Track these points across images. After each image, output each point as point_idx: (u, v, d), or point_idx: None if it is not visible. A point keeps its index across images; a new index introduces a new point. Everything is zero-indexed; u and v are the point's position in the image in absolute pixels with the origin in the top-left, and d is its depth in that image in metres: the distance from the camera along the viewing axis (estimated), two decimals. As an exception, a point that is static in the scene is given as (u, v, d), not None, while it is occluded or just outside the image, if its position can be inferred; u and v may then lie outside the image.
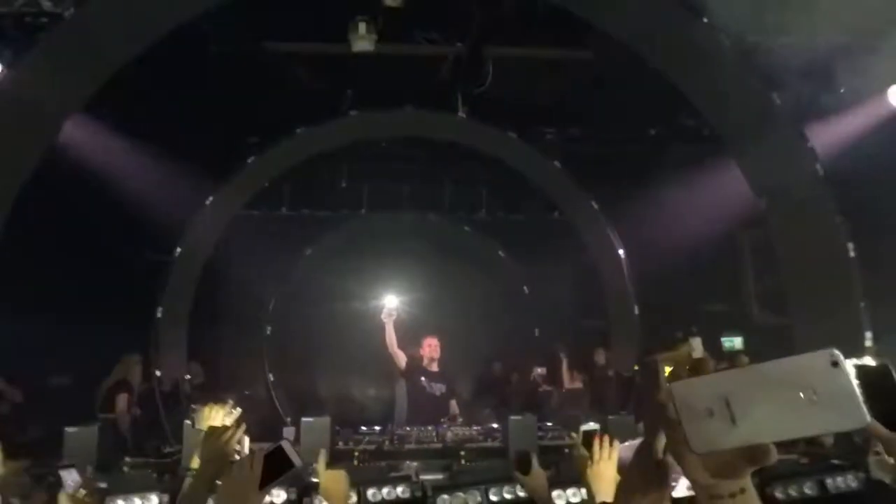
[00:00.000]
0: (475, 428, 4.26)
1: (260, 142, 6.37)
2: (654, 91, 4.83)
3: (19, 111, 4.05)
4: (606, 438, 2.00)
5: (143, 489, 2.69)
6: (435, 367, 5.00)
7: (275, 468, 1.39)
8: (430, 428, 4.27)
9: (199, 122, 6.11)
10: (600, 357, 6.02)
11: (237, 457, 1.45)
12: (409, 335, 5.27)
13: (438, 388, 4.97)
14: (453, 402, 5.03)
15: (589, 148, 6.30)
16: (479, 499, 2.80)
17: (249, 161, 6.06)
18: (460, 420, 4.77)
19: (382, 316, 4.94)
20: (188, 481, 1.74)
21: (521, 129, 5.86)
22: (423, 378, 4.96)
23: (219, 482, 1.38)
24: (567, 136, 6.26)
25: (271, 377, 6.83)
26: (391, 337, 4.96)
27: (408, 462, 3.33)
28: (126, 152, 5.57)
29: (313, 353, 7.97)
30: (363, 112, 5.99)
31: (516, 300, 7.74)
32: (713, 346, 6.47)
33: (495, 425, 4.24)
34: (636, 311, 5.35)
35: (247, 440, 1.54)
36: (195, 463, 1.71)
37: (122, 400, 5.06)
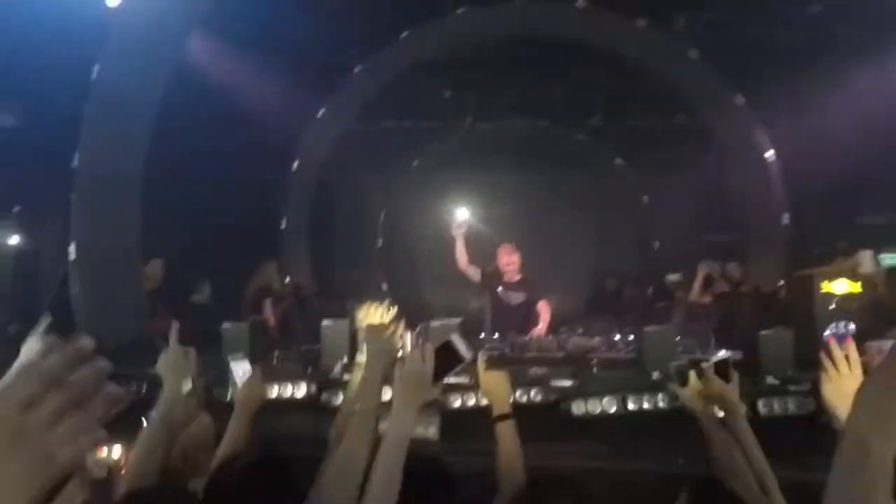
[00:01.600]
0: (596, 339, 4.13)
1: (365, 50, 6.19)
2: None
3: (146, 30, 4.17)
4: (852, 348, 1.64)
5: (294, 378, 2.89)
6: (515, 277, 4.75)
7: (446, 362, 1.37)
8: (550, 337, 4.20)
9: (307, 36, 6.03)
10: (734, 271, 5.50)
11: (400, 352, 1.44)
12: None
13: (515, 298, 4.75)
14: (542, 304, 4.70)
15: (731, 35, 5.37)
16: (615, 406, 2.69)
17: (356, 71, 5.95)
18: (580, 331, 4.63)
19: (452, 230, 4.69)
20: (356, 374, 1.76)
21: (650, 16, 5.11)
22: (500, 289, 4.78)
23: (395, 374, 1.36)
24: (705, 21, 5.36)
25: (384, 286, 7.10)
26: (461, 253, 4.74)
27: (534, 368, 3.27)
28: (241, 69, 5.67)
29: (421, 264, 8.16)
30: (469, 9, 5.55)
31: (635, 212, 7.25)
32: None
33: (617, 337, 4.09)
34: (785, 220, 4.72)
35: (408, 335, 1.52)
36: (360, 358, 1.73)
37: (268, 304, 5.51)
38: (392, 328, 1.49)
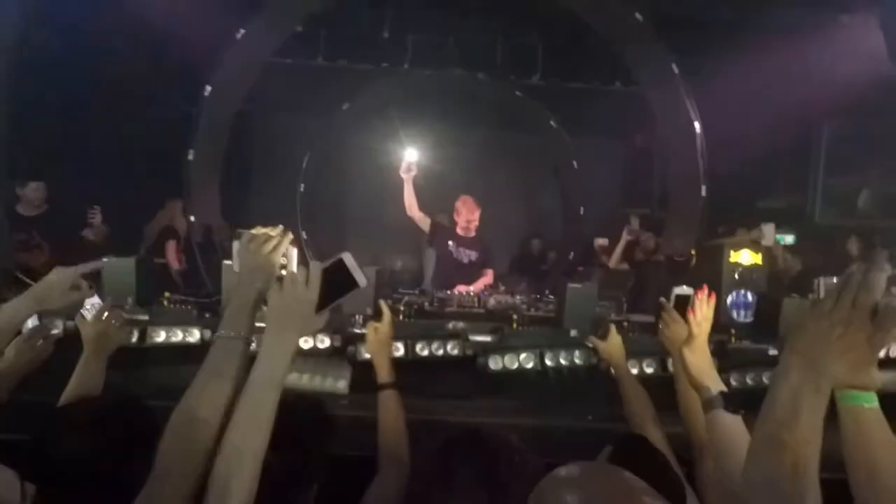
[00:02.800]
0: (518, 297, 4.09)
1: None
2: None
3: None
4: (708, 300, 1.69)
5: (184, 323, 2.58)
6: (470, 233, 4.52)
7: (335, 287, 1.12)
8: (471, 292, 4.11)
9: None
10: (650, 241, 5.69)
11: (283, 272, 1.18)
12: (445, 201, 4.91)
13: (467, 255, 4.52)
14: (489, 272, 4.64)
15: (674, 4, 5.38)
16: (533, 361, 2.64)
17: (285, -7, 5.36)
18: (502, 288, 4.58)
19: (401, 171, 4.33)
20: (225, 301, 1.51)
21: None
22: (450, 242, 4.51)
23: (267, 298, 1.12)
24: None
25: (304, 235, 6.72)
26: (410, 197, 4.41)
27: (453, 323, 3.16)
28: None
29: (346, 214, 7.81)
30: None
31: (565, 176, 7.28)
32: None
33: (538, 296, 4.08)
34: (703, 192, 4.87)
35: (294, 252, 1.26)
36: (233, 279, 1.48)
37: (170, 246, 4.98)
38: (275, 239, 1.21)
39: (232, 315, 1.12)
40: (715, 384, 1.48)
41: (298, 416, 1.26)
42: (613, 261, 5.58)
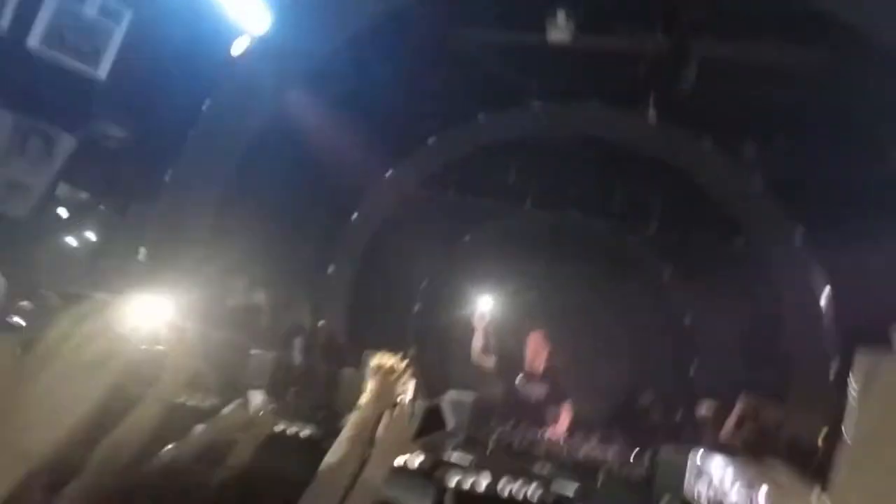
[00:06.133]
0: (609, 452, 3.92)
1: (441, 124, 6.62)
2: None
3: (255, 80, 4.72)
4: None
5: (302, 419, 2.94)
6: (538, 367, 4.53)
7: (429, 424, 1.42)
8: (563, 440, 4.04)
9: (388, 99, 6.54)
10: (772, 413, 5.16)
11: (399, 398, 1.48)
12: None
13: (537, 392, 4.49)
14: (564, 412, 4.44)
15: (800, 167, 5.39)
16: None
17: (430, 141, 6.33)
18: (596, 439, 4.42)
19: (474, 320, 4.66)
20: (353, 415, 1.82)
21: (719, 138, 5.25)
22: (519, 378, 4.54)
23: (382, 422, 1.41)
24: (774, 150, 5.43)
25: (413, 351, 7.11)
26: (477, 344, 4.67)
27: (539, 464, 3.18)
28: (327, 122, 6.18)
29: (455, 337, 8.12)
30: (546, 104, 5.89)
31: (675, 330, 7.05)
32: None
33: (635, 453, 3.89)
34: (833, 367, 4.48)
35: (412, 384, 1.56)
36: (363, 399, 1.79)
37: (297, 343, 5.64)
38: (399, 374, 1.54)
39: (355, 423, 1.43)
40: None
41: None
42: (726, 432, 5.09)
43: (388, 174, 6.22)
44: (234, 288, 5.28)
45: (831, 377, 4.55)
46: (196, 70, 4.74)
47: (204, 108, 4.50)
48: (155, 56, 4.91)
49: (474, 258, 7.64)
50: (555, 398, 4.53)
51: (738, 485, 2.59)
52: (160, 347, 1.45)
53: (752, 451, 4.75)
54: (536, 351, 4.57)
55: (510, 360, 4.74)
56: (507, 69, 6.08)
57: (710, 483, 2.66)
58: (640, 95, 5.38)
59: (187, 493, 1.13)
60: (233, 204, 5.19)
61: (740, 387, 5.39)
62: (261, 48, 4.58)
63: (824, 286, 4.69)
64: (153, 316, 1.33)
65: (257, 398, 2.20)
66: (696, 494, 2.19)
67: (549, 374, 4.61)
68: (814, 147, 5.31)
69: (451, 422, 1.43)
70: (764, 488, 1.66)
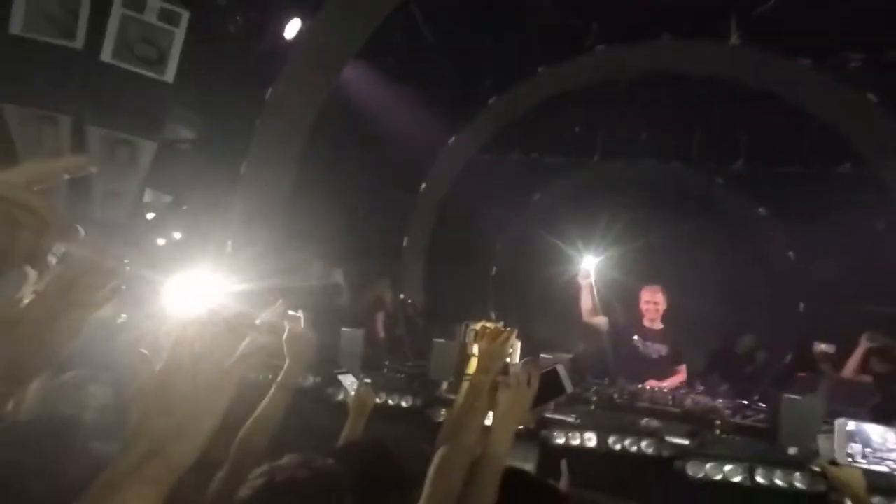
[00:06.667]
0: (719, 401, 3.75)
1: (500, 83, 6.38)
2: None
3: (311, 60, 4.73)
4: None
5: (400, 391, 3.00)
6: (656, 325, 4.32)
7: (548, 390, 1.35)
8: (665, 390, 3.90)
9: (445, 64, 6.37)
10: None
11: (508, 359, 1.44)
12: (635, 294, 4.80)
13: (656, 350, 4.29)
14: (682, 370, 4.32)
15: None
16: (740, 475, 2.42)
17: (490, 102, 6.14)
18: (700, 388, 4.24)
19: (578, 278, 4.39)
20: (463, 385, 1.80)
21: (816, 56, 4.68)
22: (635, 337, 4.32)
23: (499, 395, 1.36)
24: (882, 63, 4.78)
25: (493, 315, 7.10)
26: (586, 304, 4.41)
27: (646, 419, 3.06)
28: (387, 96, 6.13)
29: (533, 298, 8.03)
30: (610, 47, 5.50)
31: (778, 268, 6.56)
32: None
33: (745, 402, 3.69)
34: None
35: (518, 345, 1.51)
36: (471, 368, 1.76)
37: (379, 318, 5.78)
38: (507, 334, 1.49)
39: (471, 392, 1.40)
40: None
41: None
42: (849, 370, 4.71)
43: (451, 141, 6.11)
44: (314, 269, 5.45)
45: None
46: (254, 60, 4.81)
47: (266, 96, 4.57)
48: (215, 52, 5.04)
49: (546, 217, 7.45)
50: (675, 358, 4.35)
51: None
52: (278, 336, 1.48)
53: (885, 386, 4.38)
54: (652, 300, 4.37)
55: (625, 320, 4.59)
56: (564, 15, 5.72)
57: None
58: (718, 21, 4.89)
59: (322, 479, 1.14)
60: (305, 187, 5.32)
61: (859, 326, 4.96)
62: (313, 29, 4.55)
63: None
64: (268, 307, 1.37)
65: (349, 379, 2.23)
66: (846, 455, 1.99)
67: (667, 332, 4.43)
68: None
69: (569, 386, 1.34)
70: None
